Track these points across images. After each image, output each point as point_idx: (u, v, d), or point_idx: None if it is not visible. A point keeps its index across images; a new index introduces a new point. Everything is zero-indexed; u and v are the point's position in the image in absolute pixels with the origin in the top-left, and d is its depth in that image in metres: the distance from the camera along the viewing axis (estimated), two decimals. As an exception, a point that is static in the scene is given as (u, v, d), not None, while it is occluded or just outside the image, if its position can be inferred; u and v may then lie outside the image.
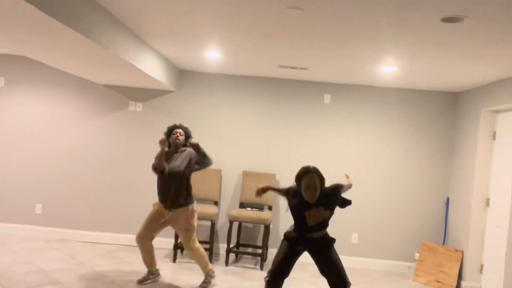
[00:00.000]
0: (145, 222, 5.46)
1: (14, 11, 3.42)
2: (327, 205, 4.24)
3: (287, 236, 4.39)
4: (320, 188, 4.16)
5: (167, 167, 5.31)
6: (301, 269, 6.67)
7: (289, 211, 4.36)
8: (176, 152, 5.44)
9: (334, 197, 4.30)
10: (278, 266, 4.27)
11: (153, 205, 5.61)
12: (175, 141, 5.41)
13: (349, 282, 4.24)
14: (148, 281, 5.59)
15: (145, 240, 5.42)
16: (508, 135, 6.07)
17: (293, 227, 4.41)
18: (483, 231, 6.43)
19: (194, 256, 5.51)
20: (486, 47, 4.55)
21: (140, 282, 5.56)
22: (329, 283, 4.27)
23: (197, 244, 5.49)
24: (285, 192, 4.39)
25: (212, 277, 5.65)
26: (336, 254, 4.36)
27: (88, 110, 7.49)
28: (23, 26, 3.92)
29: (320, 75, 6.89)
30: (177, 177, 5.31)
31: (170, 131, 5.47)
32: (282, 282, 4.29)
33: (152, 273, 5.65)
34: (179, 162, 5.35)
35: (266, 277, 4.32)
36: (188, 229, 5.39)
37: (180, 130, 5.46)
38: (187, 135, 5.52)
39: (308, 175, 4.15)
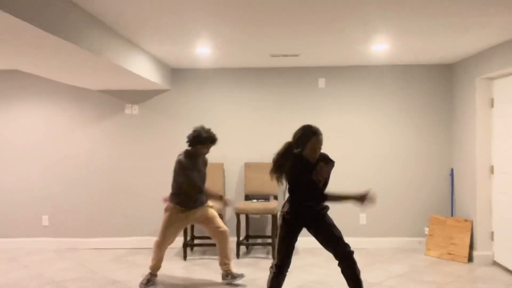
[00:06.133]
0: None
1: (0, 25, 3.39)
2: (326, 162, 4.31)
3: (286, 217, 4.30)
4: None
5: (197, 176, 5.54)
6: (312, 254, 6.70)
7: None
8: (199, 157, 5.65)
9: (329, 159, 4.35)
10: (283, 258, 4.23)
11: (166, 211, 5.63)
12: (202, 152, 5.58)
13: (351, 249, 4.22)
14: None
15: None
16: (506, 101, 6.05)
17: (287, 207, 4.34)
18: (489, 199, 6.43)
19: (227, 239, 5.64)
20: (475, 15, 4.51)
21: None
22: (335, 255, 4.23)
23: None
24: (285, 158, 4.34)
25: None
26: (331, 220, 4.36)
27: (85, 118, 7.47)
28: (11, 39, 3.89)
29: (313, 60, 6.87)
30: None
31: (201, 141, 5.49)
32: (287, 270, 4.28)
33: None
34: (204, 171, 5.70)
35: (271, 268, 4.26)
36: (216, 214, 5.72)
37: (211, 146, 5.58)
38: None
39: (317, 137, 4.26)
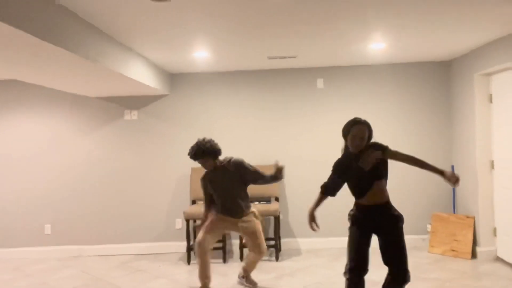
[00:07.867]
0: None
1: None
2: (375, 148, 4.11)
3: (351, 216, 4.17)
4: (367, 140, 4.06)
5: (217, 191, 5.29)
6: (316, 254, 6.69)
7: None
8: (218, 168, 5.33)
9: (378, 145, 4.16)
10: (355, 260, 4.09)
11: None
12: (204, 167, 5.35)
13: (409, 273, 4.09)
14: None
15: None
16: (504, 96, 6.06)
17: (353, 209, 4.21)
18: (491, 194, 6.43)
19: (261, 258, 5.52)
20: (471, 10, 4.50)
21: None
22: (390, 271, 4.16)
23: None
24: (335, 173, 4.14)
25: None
26: (403, 235, 4.25)
27: (85, 125, 7.47)
28: (6, 48, 3.87)
29: (310, 60, 6.87)
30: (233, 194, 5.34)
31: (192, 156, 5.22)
32: (364, 275, 4.15)
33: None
34: (228, 182, 5.29)
35: (345, 273, 4.11)
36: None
37: (202, 160, 5.24)
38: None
39: (357, 126, 4.02)
